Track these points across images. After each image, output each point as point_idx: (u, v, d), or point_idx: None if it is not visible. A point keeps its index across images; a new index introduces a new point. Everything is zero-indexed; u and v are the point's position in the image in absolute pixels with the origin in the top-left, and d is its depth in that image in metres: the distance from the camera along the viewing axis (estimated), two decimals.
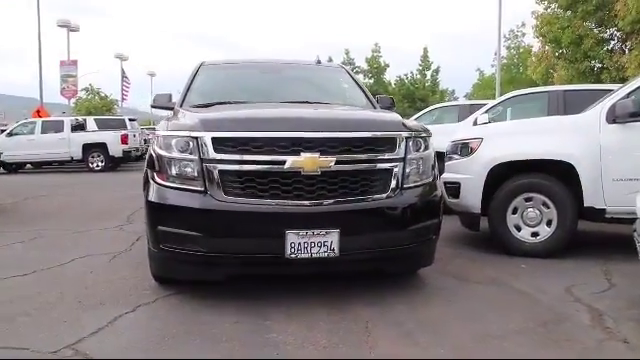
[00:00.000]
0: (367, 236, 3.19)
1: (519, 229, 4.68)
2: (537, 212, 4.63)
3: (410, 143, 3.35)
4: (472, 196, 4.77)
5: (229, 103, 4.19)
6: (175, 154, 3.19)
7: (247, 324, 2.94)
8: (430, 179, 3.50)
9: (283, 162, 3.06)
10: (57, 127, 17.16)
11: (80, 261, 4.51)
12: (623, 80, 12.29)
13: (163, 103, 4.61)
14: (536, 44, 15.93)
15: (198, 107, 4.17)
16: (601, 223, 4.77)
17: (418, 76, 38.23)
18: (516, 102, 7.58)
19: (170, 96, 4.60)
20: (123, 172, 16.67)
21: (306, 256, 3.04)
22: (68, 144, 16.73)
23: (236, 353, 2.58)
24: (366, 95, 4.80)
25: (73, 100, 34.12)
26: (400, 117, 3.73)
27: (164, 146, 3.24)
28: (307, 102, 4.36)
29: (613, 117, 4.38)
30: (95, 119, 18.92)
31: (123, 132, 17.10)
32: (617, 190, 4.35)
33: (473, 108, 8.84)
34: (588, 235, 5.41)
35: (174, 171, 3.18)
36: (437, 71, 38.24)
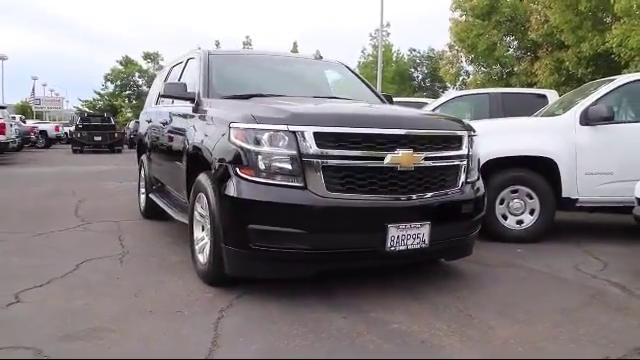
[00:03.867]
0: (447, 227, 3.41)
1: (505, 218, 5.25)
2: (522, 202, 5.25)
3: (470, 141, 3.64)
4: None
5: (262, 96, 4.08)
6: (267, 148, 3.08)
7: (356, 318, 2.98)
8: (479, 174, 3.83)
9: (382, 158, 3.14)
10: None
11: (87, 266, 4.04)
12: (530, 84, 14.11)
13: (179, 93, 4.31)
14: (445, 47, 17.58)
15: (234, 98, 4.01)
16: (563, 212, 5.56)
17: None
18: (459, 102, 8.32)
19: (185, 86, 4.31)
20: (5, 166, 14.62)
21: (403, 248, 3.16)
22: None
23: (382, 347, 2.62)
24: (373, 91, 4.99)
25: None
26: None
27: (252, 140, 3.10)
28: (335, 97, 4.43)
29: (585, 120, 5.13)
30: None
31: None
32: (588, 182, 5.12)
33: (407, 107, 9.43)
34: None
35: (267, 166, 3.06)
36: None
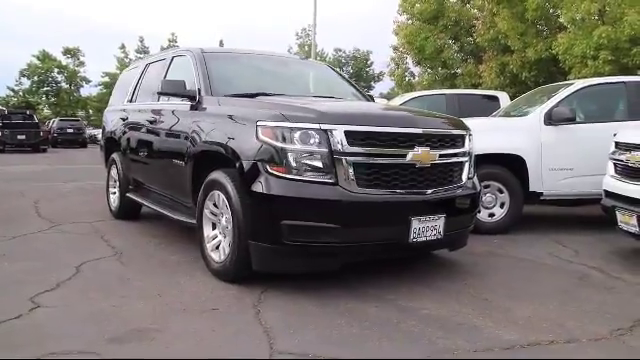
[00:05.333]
0: (456, 219, 3.65)
1: (479, 211, 5.64)
2: (493, 197, 5.66)
3: (470, 139, 3.92)
4: None
5: (265, 94, 4.13)
6: (298, 146, 3.16)
7: (387, 307, 3.14)
8: (475, 171, 4.13)
9: (404, 155, 3.33)
10: None
11: (88, 268, 3.90)
12: (475, 85, 14.94)
13: (178, 90, 4.24)
14: (390, 49, 18.21)
15: (239, 96, 4.04)
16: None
17: None
18: (417, 102, 8.69)
19: (184, 83, 4.26)
20: None
21: (422, 240, 3.37)
22: None
23: (426, 331, 2.80)
24: (359, 91, 5.18)
25: None
26: None
27: (283, 138, 3.17)
28: (333, 97, 4.58)
29: (549, 121, 5.63)
30: None
31: None
32: (552, 177, 5.62)
33: None
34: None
35: (298, 163, 3.15)
36: None
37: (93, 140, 33.17)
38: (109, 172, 6.31)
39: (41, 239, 4.92)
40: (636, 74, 9.46)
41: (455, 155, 3.69)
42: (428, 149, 3.41)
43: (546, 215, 6.85)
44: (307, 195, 3.12)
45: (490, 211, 5.66)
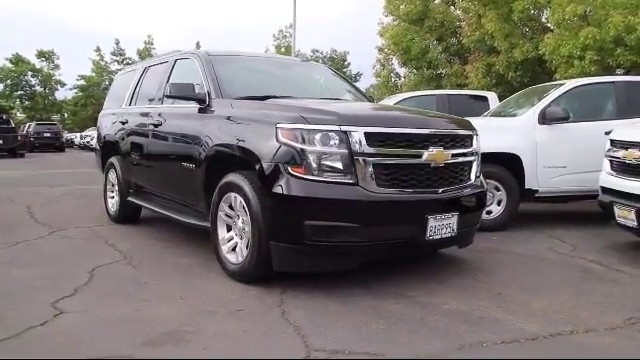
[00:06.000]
0: (467, 217, 3.76)
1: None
2: (490, 194, 5.80)
3: (477, 139, 4.04)
4: None
5: (275, 97, 4.18)
6: (319, 147, 3.22)
7: (407, 303, 3.23)
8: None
9: (420, 155, 3.42)
10: None
11: (102, 273, 3.88)
12: (461, 86, 15.21)
13: (187, 93, 4.25)
14: (376, 50, 18.46)
15: (250, 99, 4.08)
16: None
17: None
18: (408, 103, 8.82)
19: (193, 86, 4.28)
20: None
21: (438, 237, 3.47)
22: None
23: (451, 325, 2.88)
24: (360, 92, 5.27)
25: None
26: None
27: (304, 140, 3.23)
28: (338, 99, 4.65)
29: (543, 120, 5.80)
30: None
31: None
32: (546, 175, 5.80)
33: None
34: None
35: (319, 164, 3.21)
36: None
37: (70, 144, 32.65)
38: (106, 176, 6.25)
39: (45, 245, 4.86)
40: (615, 73, 9.78)
41: (465, 155, 3.80)
42: (442, 149, 3.51)
43: (539, 212, 7.04)
44: (330, 195, 3.18)
45: (488, 209, 5.80)
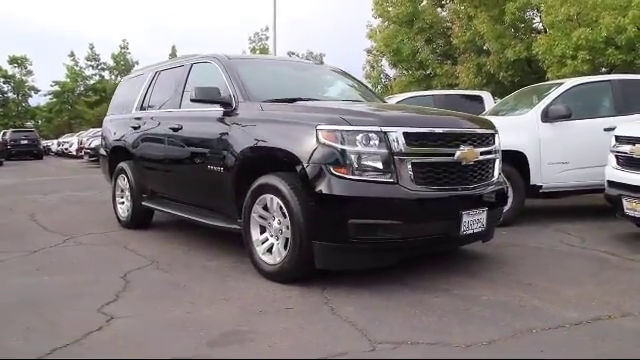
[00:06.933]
0: (494, 212, 3.91)
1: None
2: None
3: (498, 138, 4.20)
4: None
5: (301, 100, 4.27)
6: (360, 148, 3.33)
7: (447, 296, 3.35)
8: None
9: (453, 154, 3.56)
10: None
11: (135, 277, 3.91)
12: (452, 86, 15.51)
13: (213, 97, 4.29)
14: (364, 53, 18.66)
15: (278, 102, 4.16)
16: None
17: None
18: (407, 103, 9.00)
19: (218, 90, 4.32)
20: None
21: (470, 232, 3.61)
22: None
23: (496, 315, 3.02)
24: (374, 93, 5.40)
25: None
26: None
27: (346, 141, 3.32)
28: (359, 101, 4.76)
29: (545, 118, 6.03)
30: None
31: None
32: (550, 171, 6.01)
33: None
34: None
35: (361, 164, 3.31)
36: None
37: (46, 152, 31.96)
38: (115, 182, 6.21)
39: (65, 252, 4.84)
40: (600, 73, 10.17)
41: (489, 152, 3.95)
42: (472, 147, 3.66)
43: (539, 207, 7.27)
44: (373, 194, 3.29)
45: None
